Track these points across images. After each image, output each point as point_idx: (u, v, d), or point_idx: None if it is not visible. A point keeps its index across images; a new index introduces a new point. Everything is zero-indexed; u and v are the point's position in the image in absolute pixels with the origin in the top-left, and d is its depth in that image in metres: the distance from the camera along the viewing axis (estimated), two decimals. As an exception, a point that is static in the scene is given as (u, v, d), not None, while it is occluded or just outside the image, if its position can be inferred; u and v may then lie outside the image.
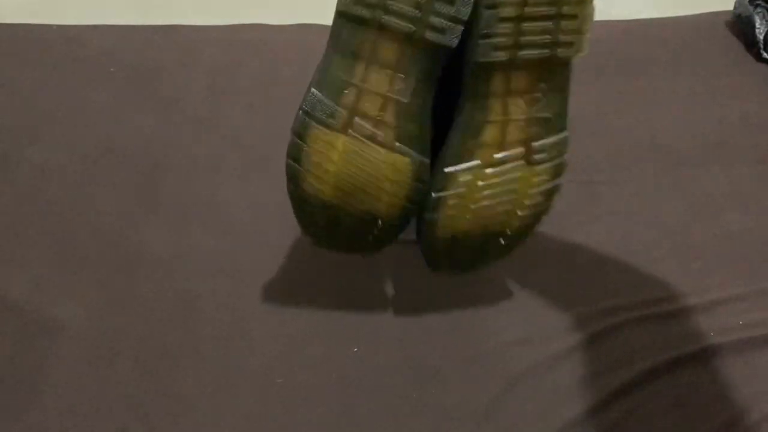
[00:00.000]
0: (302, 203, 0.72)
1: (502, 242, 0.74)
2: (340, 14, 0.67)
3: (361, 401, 0.75)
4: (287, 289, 0.82)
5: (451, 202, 0.70)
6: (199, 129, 1.09)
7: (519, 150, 0.69)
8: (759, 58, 1.27)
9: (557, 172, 0.72)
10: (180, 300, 0.84)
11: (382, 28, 0.66)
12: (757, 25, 1.27)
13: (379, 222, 0.72)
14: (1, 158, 1.02)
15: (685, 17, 1.39)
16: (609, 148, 1.08)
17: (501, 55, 0.66)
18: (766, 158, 1.07)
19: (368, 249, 0.75)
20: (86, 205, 0.96)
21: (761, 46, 1.27)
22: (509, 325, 0.82)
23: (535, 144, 0.70)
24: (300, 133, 0.69)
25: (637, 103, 1.17)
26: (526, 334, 0.81)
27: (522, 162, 0.70)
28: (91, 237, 0.91)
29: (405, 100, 0.67)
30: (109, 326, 0.81)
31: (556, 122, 0.70)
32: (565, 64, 0.69)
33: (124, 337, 0.80)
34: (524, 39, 0.66)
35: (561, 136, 0.71)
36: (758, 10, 1.29)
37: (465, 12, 0.65)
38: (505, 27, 0.65)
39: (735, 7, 1.34)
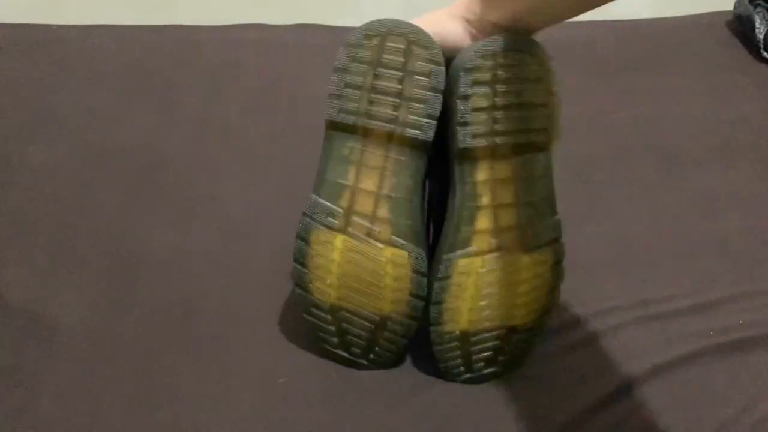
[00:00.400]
0: (311, 308, 0.76)
1: (515, 338, 0.75)
2: (329, 124, 0.74)
3: (363, 403, 0.75)
4: (288, 289, 0.82)
5: (452, 290, 0.73)
6: (199, 129, 1.09)
7: (514, 235, 0.73)
8: (759, 58, 1.27)
9: (556, 256, 0.75)
10: (180, 300, 0.84)
11: (367, 132, 0.73)
12: (757, 25, 1.27)
13: (388, 323, 0.75)
14: (1, 158, 1.02)
15: (685, 17, 1.39)
16: (609, 148, 1.08)
17: (480, 142, 0.71)
18: (766, 158, 1.07)
19: (383, 356, 0.77)
20: (86, 205, 0.96)
21: (761, 46, 1.27)
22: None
23: (528, 229, 0.73)
24: (303, 236, 0.75)
25: (637, 103, 1.17)
26: (526, 334, 0.81)
27: (518, 247, 0.73)
28: (91, 237, 0.91)
29: (396, 196, 0.73)
30: (109, 326, 0.81)
31: (545, 206, 0.74)
32: (544, 150, 0.73)
33: (124, 337, 0.80)
34: (499, 127, 0.71)
35: (552, 219, 0.74)
36: (758, 10, 1.29)
37: (436, 108, 0.72)
38: (479, 116, 0.71)
39: (735, 7, 1.34)
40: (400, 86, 0.72)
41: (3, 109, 1.11)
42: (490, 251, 0.73)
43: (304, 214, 0.74)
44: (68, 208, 0.95)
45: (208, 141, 1.07)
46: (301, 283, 0.75)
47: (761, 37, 1.27)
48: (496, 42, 0.70)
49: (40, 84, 1.16)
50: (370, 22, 0.72)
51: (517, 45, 0.71)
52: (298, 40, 1.28)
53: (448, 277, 0.73)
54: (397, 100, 0.72)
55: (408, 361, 0.79)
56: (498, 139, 0.71)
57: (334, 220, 0.73)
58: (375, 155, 0.73)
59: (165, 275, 0.87)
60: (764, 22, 1.28)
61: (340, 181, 0.73)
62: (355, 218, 0.73)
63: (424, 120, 0.71)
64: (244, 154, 1.05)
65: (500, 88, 0.71)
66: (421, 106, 0.71)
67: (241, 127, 1.10)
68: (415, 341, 0.76)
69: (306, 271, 0.75)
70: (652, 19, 1.37)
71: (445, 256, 0.73)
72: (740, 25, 1.32)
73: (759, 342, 0.80)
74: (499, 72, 0.71)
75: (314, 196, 0.74)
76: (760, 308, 0.84)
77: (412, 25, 0.72)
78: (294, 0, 1.52)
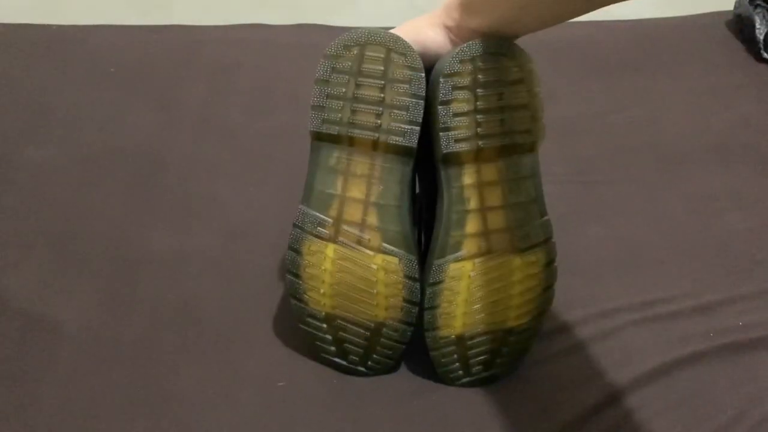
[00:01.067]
0: (307, 318, 0.76)
1: (511, 340, 0.75)
2: (314, 135, 0.74)
3: (363, 406, 0.75)
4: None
5: (445, 295, 0.73)
6: (199, 129, 1.09)
7: (504, 237, 0.73)
8: (759, 58, 1.27)
9: (549, 257, 0.75)
10: (180, 300, 0.84)
11: (352, 141, 0.73)
12: (757, 25, 1.27)
13: (384, 330, 0.75)
14: (1, 158, 1.02)
15: (685, 17, 1.39)
16: (609, 148, 1.08)
17: (463, 146, 0.72)
18: (766, 158, 1.07)
19: (381, 362, 0.77)
20: (86, 205, 0.96)
21: (761, 46, 1.27)
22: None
23: (518, 231, 0.73)
24: (295, 247, 0.75)
25: (637, 103, 1.18)
26: (526, 335, 0.80)
27: (509, 249, 0.73)
28: (91, 237, 0.91)
29: (384, 203, 0.73)
30: (109, 327, 0.81)
31: (534, 207, 0.74)
32: (530, 151, 0.73)
33: (124, 338, 0.80)
34: (482, 130, 0.72)
35: (542, 220, 0.74)
36: (758, 10, 1.29)
37: (418, 114, 0.72)
38: (461, 120, 0.71)
39: (735, 7, 1.35)
40: (381, 94, 0.72)
41: (3, 109, 1.10)
42: (481, 254, 0.73)
43: (295, 225, 0.74)
44: (68, 208, 0.95)
45: (208, 141, 1.07)
46: (295, 293, 0.76)
47: (761, 37, 1.27)
48: (475, 46, 0.71)
49: (40, 84, 1.16)
50: (348, 32, 0.73)
51: (495, 48, 0.71)
52: (297, 40, 1.28)
53: (440, 281, 0.73)
54: (380, 108, 0.72)
55: (407, 365, 0.79)
56: (481, 143, 0.71)
57: (324, 230, 0.74)
58: (361, 164, 0.73)
59: (165, 275, 0.87)
60: (764, 22, 1.28)
61: (328, 190, 0.73)
62: (345, 227, 0.73)
63: (407, 126, 0.72)
64: (244, 154, 1.05)
65: (481, 92, 0.71)
66: (404, 113, 0.72)
67: (241, 127, 1.10)
68: (415, 347, 0.76)
69: (299, 281, 0.75)
70: (652, 19, 1.37)
71: (436, 261, 0.73)
72: (740, 25, 1.32)
73: (759, 343, 0.80)
74: (479, 76, 0.71)
75: (303, 207, 0.74)
76: (760, 309, 0.84)
77: (389, 34, 0.72)
78: (294, 0, 1.53)
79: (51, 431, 0.71)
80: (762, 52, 1.26)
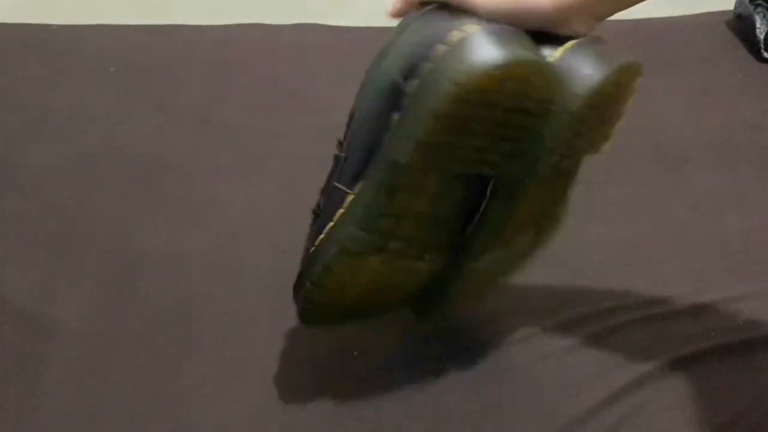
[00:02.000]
0: (315, 309, 0.73)
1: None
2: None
3: (362, 402, 0.75)
4: (287, 289, 0.81)
5: (473, 278, 0.73)
6: (199, 129, 1.09)
7: (532, 229, 0.74)
8: (759, 58, 1.27)
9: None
10: (180, 300, 0.84)
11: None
12: (758, 25, 1.27)
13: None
14: (1, 158, 1.02)
15: (685, 17, 1.39)
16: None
17: (541, 169, 0.67)
18: (766, 159, 1.07)
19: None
20: (86, 205, 0.96)
21: (761, 46, 1.27)
22: (509, 325, 0.82)
23: (545, 221, 0.75)
24: (328, 265, 0.68)
25: (637, 103, 1.17)
26: (526, 334, 0.80)
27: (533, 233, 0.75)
28: (91, 237, 0.91)
29: (439, 217, 0.68)
30: (109, 327, 0.81)
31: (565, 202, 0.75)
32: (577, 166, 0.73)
33: (124, 338, 0.80)
34: (564, 151, 0.68)
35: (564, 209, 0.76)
36: (758, 10, 1.29)
37: (522, 146, 0.65)
38: (551, 154, 0.67)
39: (735, 7, 1.35)
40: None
41: (3, 109, 1.11)
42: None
43: (331, 240, 0.67)
44: (68, 209, 0.95)
45: (208, 141, 1.07)
46: (312, 299, 0.71)
47: (761, 37, 1.27)
48: (613, 70, 0.65)
49: (40, 84, 1.16)
50: (485, 54, 0.59)
51: (625, 77, 0.67)
52: (298, 40, 1.29)
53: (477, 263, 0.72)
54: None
55: (408, 359, 0.79)
56: (557, 167, 0.68)
57: (367, 247, 0.67)
58: (421, 180, 0.65)
59: (165, 275, 0.87)
60: (764, 22, 1.28)
61: (377, 206, 0.65)
62: (391, 241, 0.67)
63: (501, 159, 0.66)
64: (244, 154, 1.05)
65: (587, 124, 0.66)
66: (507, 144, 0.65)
67: (241, 127, 1.10)
68: (415, 345, 0.76)
69: (323, 291, 0.70)
70: (652, 19, 1.37)
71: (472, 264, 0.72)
72: (740, 25, 1.32)
73: (759, 343, 0.80)
74: (597, 109, 0.66)
75: (352, 228, 0.66)
76: (760, 308, 0.84)
77: (535, 63, 0.61)
78: (294, 0, 1.53)
79: (51, 431, 0.71)
80: (762, 51, 1.26)
